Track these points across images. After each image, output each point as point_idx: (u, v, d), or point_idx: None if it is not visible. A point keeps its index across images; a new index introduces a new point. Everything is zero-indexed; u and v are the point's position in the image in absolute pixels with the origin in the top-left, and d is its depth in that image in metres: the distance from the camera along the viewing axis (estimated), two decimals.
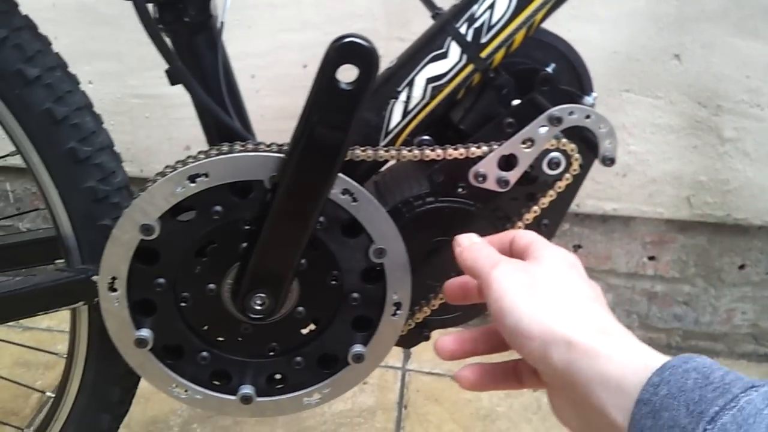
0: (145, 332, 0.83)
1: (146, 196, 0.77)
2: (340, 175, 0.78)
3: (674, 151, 1.48)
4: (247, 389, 0.87)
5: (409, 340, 0.94)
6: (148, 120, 1.56)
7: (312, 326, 0.89)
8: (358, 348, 0.86)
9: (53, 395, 1.01)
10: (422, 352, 1.49)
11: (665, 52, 1.40)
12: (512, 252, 0.68)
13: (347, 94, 0.71)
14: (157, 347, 0.85)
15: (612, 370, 0.51)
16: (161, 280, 0.82)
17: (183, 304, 0.84)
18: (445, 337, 0.69)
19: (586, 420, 0.54)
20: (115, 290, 0.81)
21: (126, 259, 0.80)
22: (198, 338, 0.87)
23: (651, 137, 1.47)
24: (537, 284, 0.60)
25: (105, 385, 0.97)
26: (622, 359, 0.51)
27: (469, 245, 0.69)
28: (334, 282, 0.85)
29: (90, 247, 0.88)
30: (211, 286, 0.83)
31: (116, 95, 1.54)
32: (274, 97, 1.47)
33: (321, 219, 0.80)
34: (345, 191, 0.79)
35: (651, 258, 1.64)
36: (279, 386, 0.90)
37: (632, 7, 1.36)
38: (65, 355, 0.98)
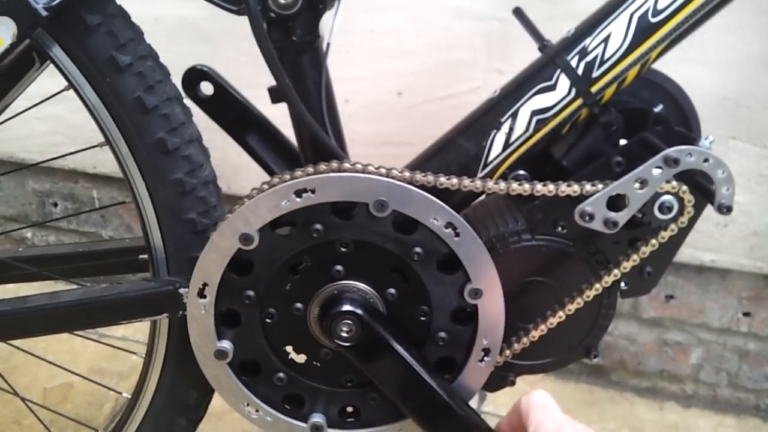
0: (226, 344, 0.82)
1: (251, 205, 0.76)
2: (445, 207, 0.76)
3: None
4: (318, 418, 0.85)
5: (492, 383, 0.90)
6: None
7: None
8: None
9: (129, 396, 1.00)
10: (498, 394, 1.43)
11: None
12: None
13: None
14: (234, 361, 0.84)
15: None
16: (251, 293, 0.80)
17: (268, 321, 0.83)
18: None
19: None
20: (204, 297, 0.80)
21: (220, 267, 0.79)
22: (277, 358, 0.85)
23: (756, 188, 1.40)
24: None
25: (182, 387, 0.95)
26: None
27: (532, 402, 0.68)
28: (422, 318, 0.82)
29: (177, 259, 0.87)
30: (299, 305, 0.82)
31: None
32: (366, 123, 1.46)
33: (418, 250, 0.77)
34: (449, 225, 0.76)
35: (746, 314, 1.55)
36: (350, 420, 0.87)
37: (746, 53, 1.30)
38: (144, 355, 0.97)
